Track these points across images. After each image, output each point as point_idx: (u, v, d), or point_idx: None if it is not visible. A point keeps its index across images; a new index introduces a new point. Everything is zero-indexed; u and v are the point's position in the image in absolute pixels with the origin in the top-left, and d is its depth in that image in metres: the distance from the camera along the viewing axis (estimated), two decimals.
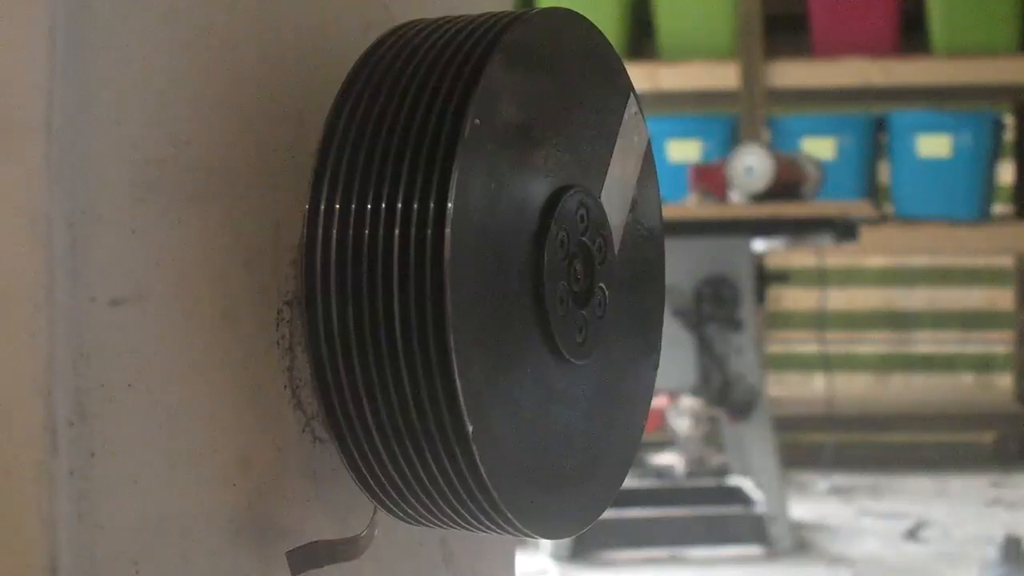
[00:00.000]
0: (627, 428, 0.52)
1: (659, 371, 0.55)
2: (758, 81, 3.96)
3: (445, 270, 0.41)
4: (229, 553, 0.44)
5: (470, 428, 0.42)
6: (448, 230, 0.41)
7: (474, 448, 0.42)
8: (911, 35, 4.01)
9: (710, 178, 3.18)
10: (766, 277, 3.37)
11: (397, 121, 0.43)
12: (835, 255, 4.02)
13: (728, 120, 4.06)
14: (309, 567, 0.45)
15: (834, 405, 3.92)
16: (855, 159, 4.02)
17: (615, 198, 0.50)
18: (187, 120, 0.42)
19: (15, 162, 0.38)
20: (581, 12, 0.48)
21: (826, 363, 3.96)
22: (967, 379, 4.54)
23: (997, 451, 4.14)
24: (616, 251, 0.50)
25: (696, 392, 3.23)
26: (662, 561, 2.94)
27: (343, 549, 0.46)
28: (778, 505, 3.03)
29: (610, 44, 0.50)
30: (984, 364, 4.52)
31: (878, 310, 4.57)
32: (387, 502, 0.46)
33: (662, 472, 3.65)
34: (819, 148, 3.92)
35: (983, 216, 3.86)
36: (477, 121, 0.42)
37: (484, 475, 0.42)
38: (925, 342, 4.58)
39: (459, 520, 0.46)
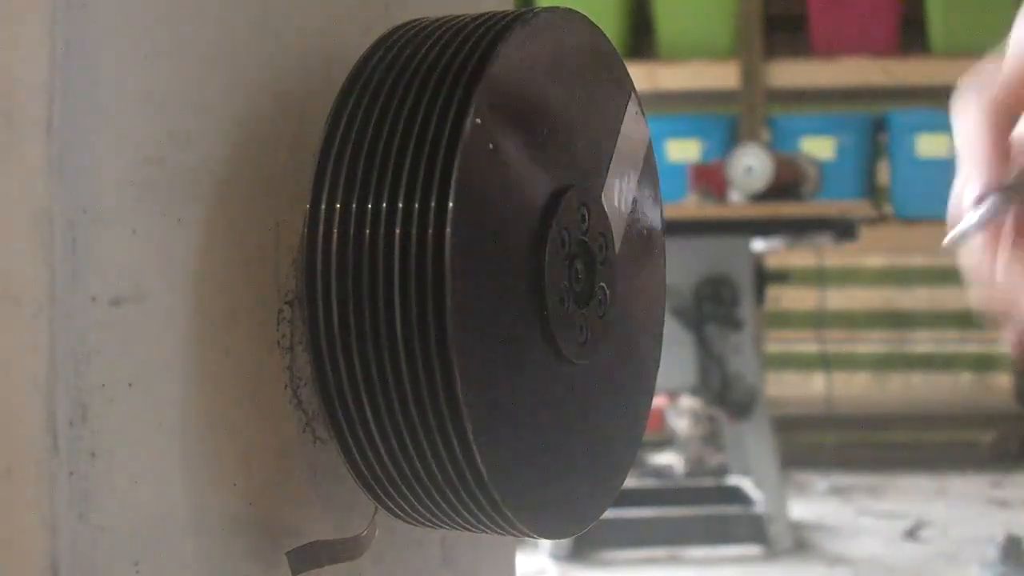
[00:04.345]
0: (627, 428, 0.52)
1: (659, 371, 0.55)
2: (758, 81, 3.96)
3: (446, 270, 0.41)
4: (229, 553, 0.44)
5: (470, 428, 0.42)
6: (449, 230, 0.41)
7: (474, 448, 0.42)
8: (911, 35, 4.01)
9: (710, 178, 3.18)
10: (765, 277, 3.37)
11: (398, 121, 0.43)
12: (834, 255, 4.02)
13: (728, 120, 4.06)
14: (309, 567, 0.45)
15: (833, 405, 3.92)
16: (854, 159, 4.02)
17: (615, 198, 0.50)
18: (187, 120, 0.42)
19: (16, 162, 0.38)
20: (581, 12, 0.48)
21: (825, 363, 3.96)
22: (966, 379, 4.54)
23: (996, 451, 4.14)
24: (616, 251, 0.50)
25: (696, 392, 3.23)
26: (661, 561, 2.94)
27: (343, 549, 0.46)
28: (777, 505, 3.03)
29: (611, 43, 0.50)
30: (983, 364, 4.52)
31: (877, 310, 4.57)
32: (387, 502, 0.46)
33: (662, 472, 3.65)
34: (818, 148, 3.92)
35: None
36: (478, 121, 0.42)
37: (484, 475, 0.42)
38: (924, 342, 4.58)
39: (459, 520, 0.46)
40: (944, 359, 4.53)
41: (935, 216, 3.87)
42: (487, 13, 0.46)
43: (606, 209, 0.49)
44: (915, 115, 3.94)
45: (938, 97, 4.07)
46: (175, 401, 0.42)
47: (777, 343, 4.47)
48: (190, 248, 0.42)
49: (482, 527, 0.46)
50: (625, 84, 0.52)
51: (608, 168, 0.50)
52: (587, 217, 0.48)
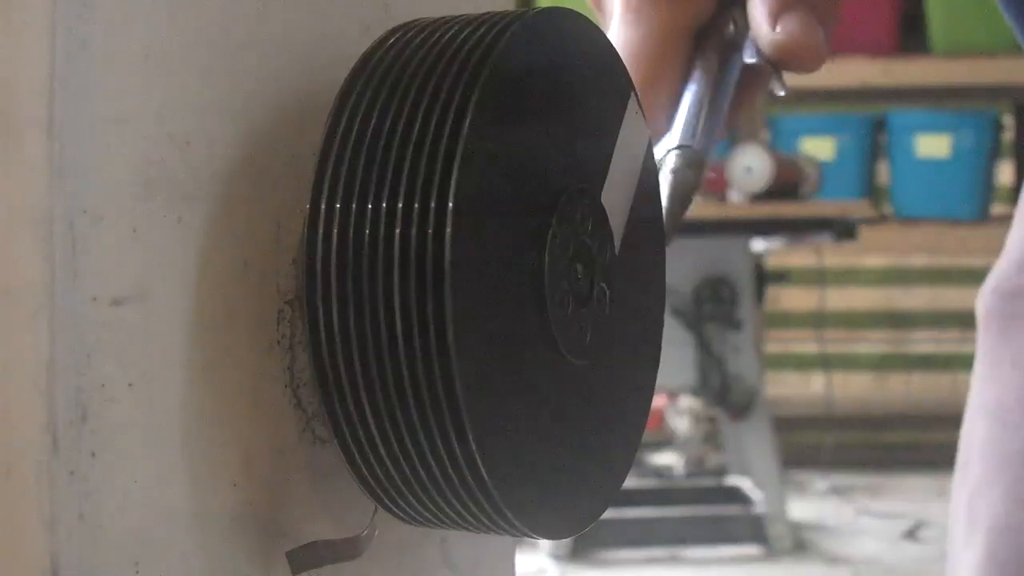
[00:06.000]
0: (627, 428, 0.52)
1: (659, 371, 0.55)
2: None
3: (446, 270, 0.41)
4: (229, 553, 0.44)
5: (470, 428, 0.42)
6: (449, 230, 0.41)
7: (474, 448, 0.42)
8: (911, 35, 4.01)
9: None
10: (765, 277, 3.37)
11: (398, 121, 0.43)
12: (834, 255, 4.02)
13: None
14: (309, 567, 0.45)
15: (833, 405, 3.92)
16: (854, 159, 4.02)
17: (615, 198, 0.50)
18: (187, 120, 0.42)
19: (15, 162, 0.38)
20: (581, 12, 0.48)
21: (825, 363, 3.96)
22: (966, 379, 4.53)
23: None
24: (616, 251, 0.50)
25: (695, 392, 3.23)
26: (661, 561, 2.95)
27: (343, 549, 0.46)
28: (777, 505, 3.03)
29: (611, 43, 0.50)
30: None
31: (877, 310, 4.57)
32: (387, 502, 0.46)
33: (661, 472, 3.66)
34: (818, 148, 3.93)
35: (982, 216, 3.86)
36: (478, 120, 0.42)
37: (484, 475, 0.42)
38: (924, 342, 4.58)
39: (459, 520, 0.46)
40: (944, 359, 4.53)
41: (934, 216, 3.88)
42: (487, 13, 0.46)
43: (606, 209, 0.49)
44: (915, 115, 3.94)
45: (937, 97, 4.07)
46: (175, 401, 0.42)
47: (777, 343, 4.47)
48: (190, 248, 0.42)
49: (482, 527, 0.46)
50: (625, 84, 0.52)
51: (608, 168, 0.50)
52: (587, 217, 0.48)
